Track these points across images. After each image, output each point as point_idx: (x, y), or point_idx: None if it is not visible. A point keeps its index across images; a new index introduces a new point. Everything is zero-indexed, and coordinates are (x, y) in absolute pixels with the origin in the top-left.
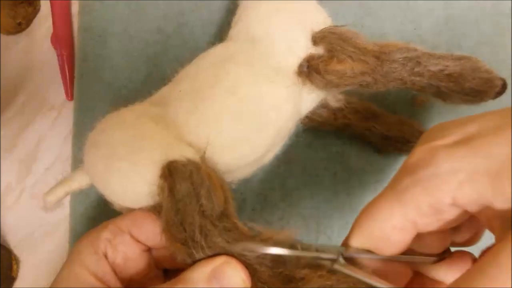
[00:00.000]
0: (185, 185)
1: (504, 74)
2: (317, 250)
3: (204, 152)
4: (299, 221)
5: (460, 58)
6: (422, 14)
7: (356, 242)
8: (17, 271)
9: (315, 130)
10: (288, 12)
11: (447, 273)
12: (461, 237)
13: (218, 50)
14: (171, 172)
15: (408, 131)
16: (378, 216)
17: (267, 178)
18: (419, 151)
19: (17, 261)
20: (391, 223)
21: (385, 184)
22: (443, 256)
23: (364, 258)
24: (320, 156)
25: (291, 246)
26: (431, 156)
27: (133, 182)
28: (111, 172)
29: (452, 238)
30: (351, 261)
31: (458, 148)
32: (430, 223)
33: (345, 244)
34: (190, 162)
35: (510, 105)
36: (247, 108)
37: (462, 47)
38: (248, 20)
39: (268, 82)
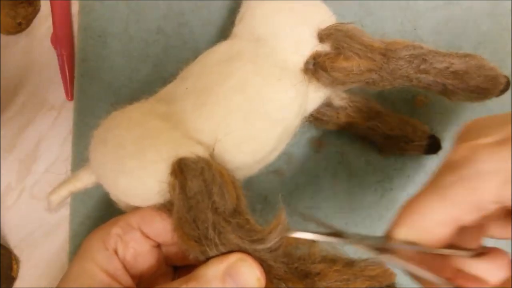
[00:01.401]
0: (197, 182)
1: (504, 73)
2: (361, 240)
3: (213, 149)
4: (299, 221)
5: (465, 56)
6: (422, 14)
7: (400, 233)
8: (17, 271)
9: (315, 130)
10: (293, 10)
11: (487, 270)
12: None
13: (224, 47)
14: (182, 169)
15: (411, 131)
16: (421, 210)
17: (267, 178)
18: (461, 149)
19: (17, 261)
20: (435, 218)
21: (385, 184)
22: (482, 251)
23: (404, 250)
24: (320, 156)
25: (336, 234)
26: (474, 154)
27: (143, 181)
28: (120, 171)
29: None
30: (389, 252)
31: (500, 148)
32: (473, 219)
33: (388, 235)
34: (200, 159)
35: (511, 105)
36: (255, 106)
37: (462, 47)
38: (253, 18)
39: (275, 81)
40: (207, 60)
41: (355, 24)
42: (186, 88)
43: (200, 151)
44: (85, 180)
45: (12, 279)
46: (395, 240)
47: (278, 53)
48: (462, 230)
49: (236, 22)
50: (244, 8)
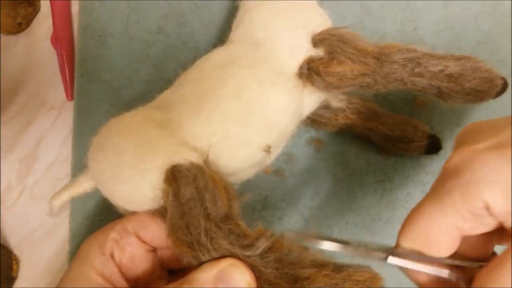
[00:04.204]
0: (190, 189)
1: (504, 74)
2: (367, 249)
3: (208, 155)
4: (299, 221)
5: (460, 58)
6: (422, 14)
7: (406, 243)
8: (17, 271)
9: (315, 130)
10: (290, 15)
11: None
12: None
13: (220, 53)
14: (175, 177)
15: (410, 131)
16: (423, 219)
17: (267, 178)
18: (458, 154)
19: (17, 261)
20: (436, 226)
21: (385, 184)
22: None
23: (412, 259)
24: (320, 156)
25: (343, 242)
26: (467, 162)
27: (139, 188)
28: (118, 178)
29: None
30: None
31: (496, 154)
32: (473, 227)
33: (396, 244)
34: (193, 165)
35: (511, 105)
36: (251, 111)
37: (462, 47)
38: (250, 23)
39: (271, 86)
40: (204, 65)
41: (353, 26)
42: (182, 95)
43: (194, 158)
44: (84, 185)
45: (12, 279)
46: (402, 249)
47: (274, 57)
48: (471, 240)
49: (233, 27)
50: (242, 12)
